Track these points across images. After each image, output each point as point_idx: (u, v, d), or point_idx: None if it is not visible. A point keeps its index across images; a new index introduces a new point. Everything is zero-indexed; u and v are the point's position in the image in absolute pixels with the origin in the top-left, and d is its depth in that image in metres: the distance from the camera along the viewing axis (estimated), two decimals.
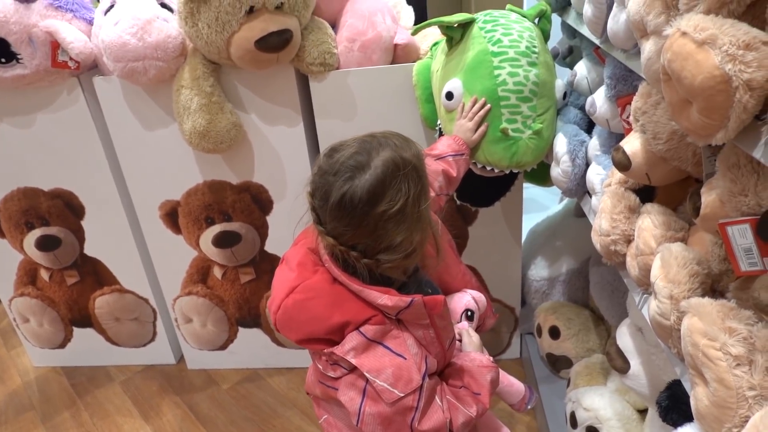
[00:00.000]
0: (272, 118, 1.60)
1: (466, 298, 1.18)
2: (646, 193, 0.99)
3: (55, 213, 1.84)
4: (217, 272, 1.87)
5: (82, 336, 2.09)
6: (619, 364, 1.09)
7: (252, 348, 2.01)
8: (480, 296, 1.23)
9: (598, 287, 1.53)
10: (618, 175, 1.00)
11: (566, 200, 1.98)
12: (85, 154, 1.72)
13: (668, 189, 0.94)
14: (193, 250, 1.84)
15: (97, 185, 1.77)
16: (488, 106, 1.20)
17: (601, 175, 1.09)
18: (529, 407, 1.18)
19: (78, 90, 1.63)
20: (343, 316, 0.84)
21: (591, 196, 1.19)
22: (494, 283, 1.81)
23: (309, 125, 1.63)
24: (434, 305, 0.89)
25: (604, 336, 1.61)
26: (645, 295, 0.92)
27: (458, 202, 1.51)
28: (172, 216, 1.78)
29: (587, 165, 1.20)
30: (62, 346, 2.12)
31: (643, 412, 1.34)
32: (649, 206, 0.90)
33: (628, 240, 0.95)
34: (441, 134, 1.36)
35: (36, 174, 1.78)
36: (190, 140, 1.51)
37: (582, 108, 1.33)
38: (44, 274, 1.97)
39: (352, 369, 0.86)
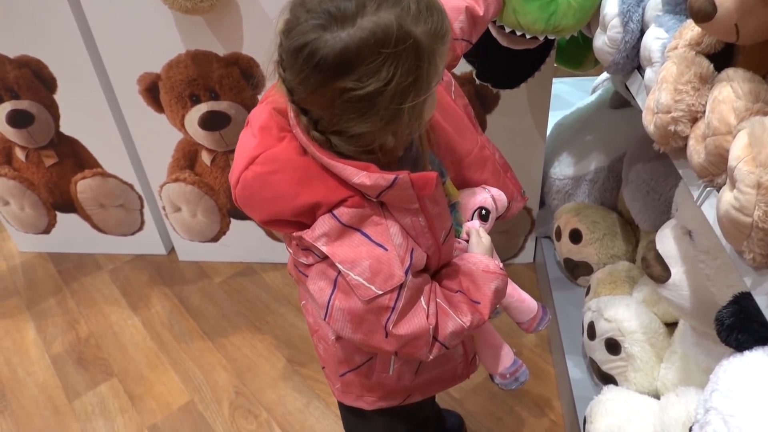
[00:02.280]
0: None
1: (483, 195, 0.97)
2: (721, 62, 0.77)
3: (24, 84, 1.64)
4: (206, 158, 1.70)
5: (67, 221, 1.96)
6: (657, 271, 0.93)
7: (246, 241, 1.88)
8: (501, 195, 1.01)
9: (632, 187, 1.34)
10: (688, 36, 0.78)
11: (600, 90, 1.75)
12: (49, 14, 1.49)
13: (757, 50, 0.72)
14: (179, 132, 1.65)
15: (67, 53, 1.56)
16: None
17: (662, 39, 0.86)
18: (540, 329, 1.02)
19: None
20: (312, 196, 0.69)
21: (642, 72, 0.97)
22: None
23: None
24: (424, 184, 0.70)
25: (631, 242, 1.45)
26: (708, 188, 0.73)
27: (477, 81, 1.29)
28: (152, 91, 1.58)
29: (642, 32, 0.97)
30: (47, 231, 2.00)
31: (670, 326, 1.20)
32: (730, 71, 0.69)
33: (695, 118, 0.75)
34: None
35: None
36: None
37: None
38: (20, 154, 1.80)
39: (325, 257, 0.71)
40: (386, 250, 0.70)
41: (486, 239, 0.87)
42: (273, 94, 0.75)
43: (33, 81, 1.63)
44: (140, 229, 1.95)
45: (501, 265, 0.83)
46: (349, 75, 0.60)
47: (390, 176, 0.67)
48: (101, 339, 1.72)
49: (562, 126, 1.69)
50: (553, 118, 1.63)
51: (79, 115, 1.69)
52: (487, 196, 0.96)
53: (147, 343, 1.70)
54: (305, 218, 0.70)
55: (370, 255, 0.70)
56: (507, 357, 1.06)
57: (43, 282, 1.94)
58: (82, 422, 1.50)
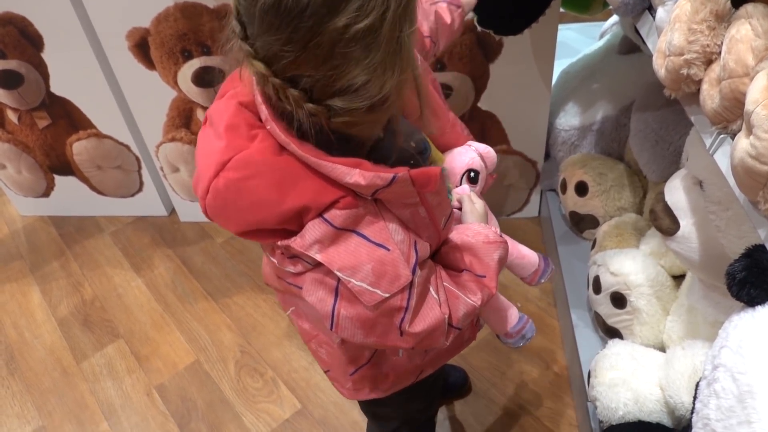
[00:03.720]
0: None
1: (470, 155, 0.91)
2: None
3: (10, 43, 1.59)
4: (201, 115, 1.65)
5: (65, 184, 1.94)
6: (666, 223, 0.90)
7: None
8: (489, 151, 0.95)
9: (641, 136, 1.29)
10: None
11: (608, 35, 1.67)
12: None
13: None
14: (172, 90, 1.60)
15: (52, 8, 1.50)
16: None
17: None
18: (543, 281, 0.99)
19: None
20: (298, 200, 0.60)
21: (653, 12, 0.91)
22: (516, 132, 1.58)
23: None
24: (426, 181, 0.63)
25: (639, 194, 1.41)
26: (722, 135, 0.69)
27: (479, 28, 1.23)
28: (142, 47, 1.52)
29: None
30: (46, 194, 1.98)
31: (677, 278, 1.17)
32: (750, 7, 0.64)
33: (709, 60, 0.70)
34: None
35: None
36: None
37: None
38: (12, 116, 1.76)
39: (318, 263, 0.64)
40: (388, 250, 0.63)
41: (479, 204, 0.82)
42: (233, 86, 0.66)
43: (19, 39, 1.58)
44: (139, 190, 1.92)
45: (498, 230, 0.79)
46: (344, 8, 0.52)
47: (387, 174, 0.60)
48: (106, 301, 1.73)
49: (568, 74, 1.62)
50: (559, 66, 1.57)
51: (69, 74, 1.64)
52: (474, 155, 0.91)
53: (151, 305, 1.70)
54: (290, 225, 0.62)
55: (371, 257, 0.62)
56: (513, 316, 1.04)
57: (46, 245, 1.93)
58: (90, 383, 1.52)
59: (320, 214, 0.61)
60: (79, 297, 1.75)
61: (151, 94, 1.62)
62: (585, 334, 1.27)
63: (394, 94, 0.60)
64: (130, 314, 1.68)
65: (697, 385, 0.66)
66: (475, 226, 0.78)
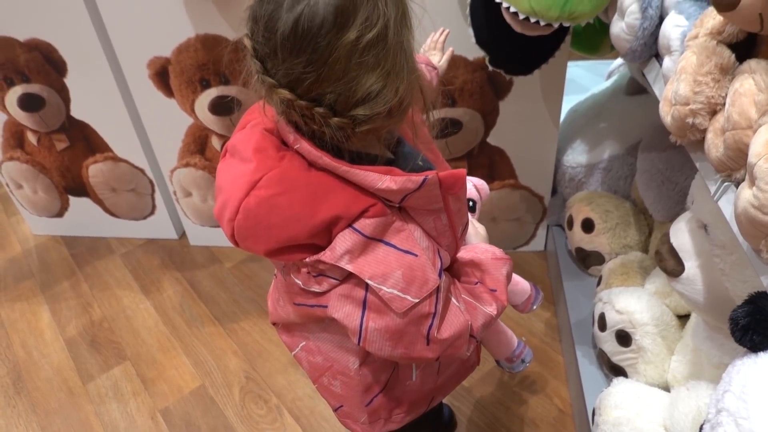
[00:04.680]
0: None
1: (467, 186, 0.99)
2: (742, 52, 0.75)
3: (34, 68, 1.64)
4: (216, 142, 1.69)
5: (79, 205, 1.97)
6: (671, 265, 0.91)
7: None
8: (482, 184, 1.02)
9: (647, 176, 1.32)
10: (709, 24, 0.75)
11: (615, 76, 1.71)
12: None
13: None
14: (189, 117, 1.65)
15: (77, 36, 1.55)
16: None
17: (682, 27, 0.83)
18: (534, 308, 1.03)
19: None
20: (331, 210, 0.62)
21: (660, 60, 0.94)
22: (524, 167, 1.60)
23: None
24: (453, 183, 0.67)
25: (644, 232, 1.42)
26: (726, 183, 0.71)
27: (490, 68, 1.26)
28: (162, 76, 1.57)
29: (660, 19, 0.94)
30: (60, 214, 2.02)
31: (682, 318, 1.18)
32: (753, 62, 0.67)
33: (713, 111, 0.73)
34: None
35: (9, 21, 1.56)
36: None
37: None
38: (32, 138, 1.81)
39: (345, 278, 0.67)
40: (416, 255, 0.66)
41: (481, 228, 0.88)
42: (255, 117, 0.71)
43: (44, 64, 1.63)
44: (152, 213, 1.95)
45: (502, 250, 0.84)
46: (352, 22, 0.58)
47: (418, 178, 0.64)
48: (114, 323, 1.74)
49: (576, 112, 1.66)
50: (567, 102, 1.60)
51: (90, 99, 1.69)
52: (470, 186, 0.99)
53: (159, 328, 1.71)
54: (320, 239, 0.64)
55: (400, 264, 0.65)
56: (512, 340, 1.07)
57: (57, 265, 1.96)
58: (96, 404, 1.52)
59: (350, 224, 0.63)
60: (87, 318, 1.76)
61: (168, 121, 1.66)
62: (589, 371, 1.28)
63: (408, 96, 0.65)
64: (138, 336, 1.69)
65: (701, 427, 0.67)
66: (482, 245, 0.83)
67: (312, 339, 0.84)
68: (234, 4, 1.40)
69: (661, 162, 1.31)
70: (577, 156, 1.56)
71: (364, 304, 0.67)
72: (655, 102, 0.87)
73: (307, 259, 0.66)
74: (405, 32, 0.63)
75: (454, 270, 0.80)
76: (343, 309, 0.68)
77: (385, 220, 0.65)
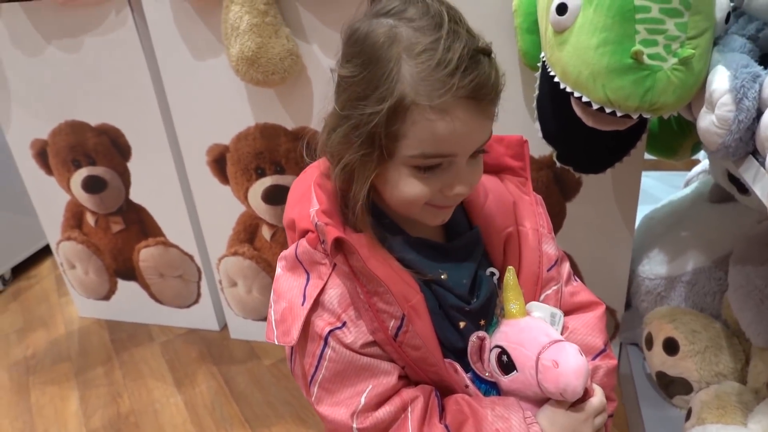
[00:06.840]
0: (338, 49, 1.33)
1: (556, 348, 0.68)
2: None
3: (101, 151, 1.69)
4: (266, 232, 1.64)
5: (127, 289, 1.94)
6: None
7: None
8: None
9: (742, 292, 1.14)
10: None
11: (695, 183, 1.57)
12: (131, 85, 1.54)
13: None
14: (241, 205, 1.62)
15: (143, 123, 1.59)
16: None
17: None
18: None
19: (126, 10, 1.45)
20: (294, 213, 0.68)
21: (758, 157, 0.82)
22: (594, 277, 1.45)
23: None
24: (343, 241, 0.61)
25: (740, 359, 1.22)
26: None
27: (558, 164, 1.17)
28: (220, 163, 1.57)
29: (759, 111, 0.83)
30: (107, 297, 1.99)
31: None
32: None
33: None
34: (544, 68, 1.03)
35: (83, 106, 1.63)
36: (237, 67, 1.27)
37: (752, 38, 0.95)
38: (90, 219, 1.83)
39: None
40: (302, 304, 0.62)
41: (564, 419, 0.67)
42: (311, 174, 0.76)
43: (110, 148, 1.67)
44: (196, 302, 1.89)
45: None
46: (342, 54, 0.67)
47: (322, 219, 0.63)
48: (141, 417, 1.63)
49: (653, 220, 1.51)
50: (640, 212, 1.47)
51: (149, 184, 1.71)
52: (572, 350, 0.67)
53: (186, 426, 1.58)
54: (293, 233, 0.70)
55: (290, 299, 0.64)
56: None
57: (96, 350, 1.90)
58: None
59: (302, 236, 0.66)
60: (115, 409, 1.66)
61: (221, 208, 1.64)
62: None
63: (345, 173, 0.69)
64: None
65: None
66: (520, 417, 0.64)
67: None
68: (294, 94, 1.40)
69: (758, 278, 1.13)
70: (655, 267, 1.39)
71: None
72: (745, 211, 0.74)
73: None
74: (368, 102, 0.64)
75: (452, 399, 0.67)
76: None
77: (314, 255, 0.65)
